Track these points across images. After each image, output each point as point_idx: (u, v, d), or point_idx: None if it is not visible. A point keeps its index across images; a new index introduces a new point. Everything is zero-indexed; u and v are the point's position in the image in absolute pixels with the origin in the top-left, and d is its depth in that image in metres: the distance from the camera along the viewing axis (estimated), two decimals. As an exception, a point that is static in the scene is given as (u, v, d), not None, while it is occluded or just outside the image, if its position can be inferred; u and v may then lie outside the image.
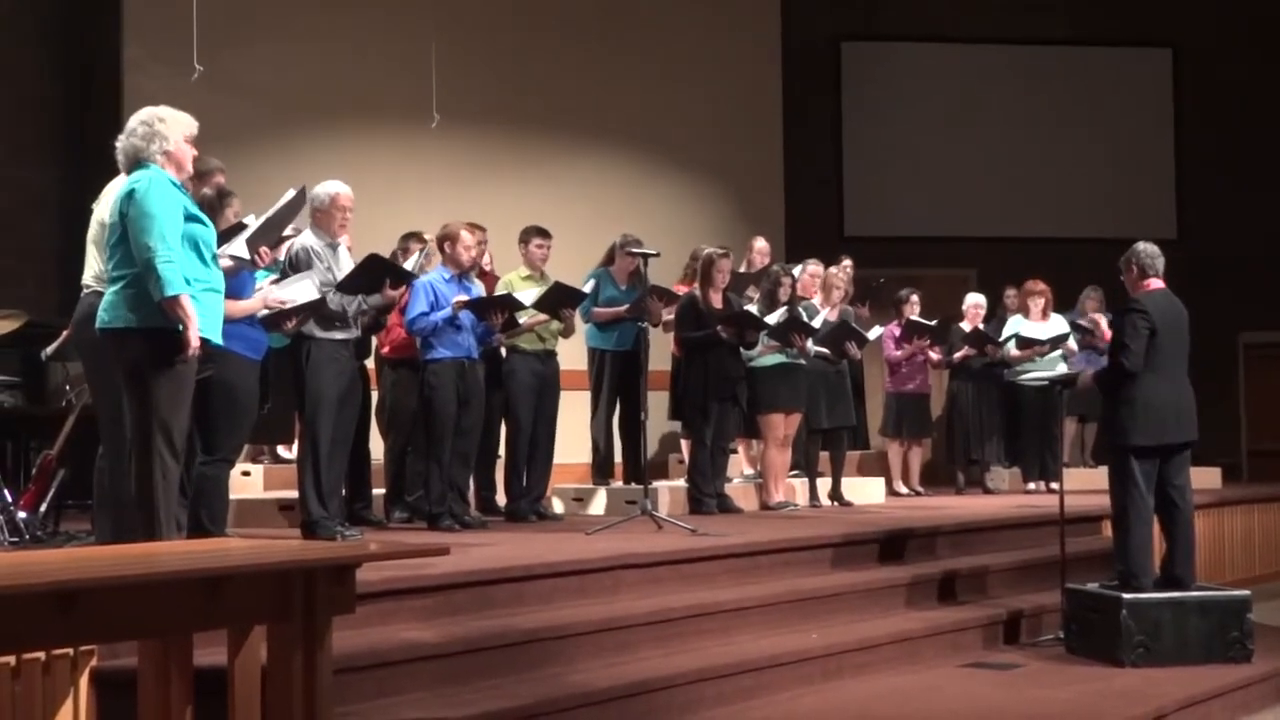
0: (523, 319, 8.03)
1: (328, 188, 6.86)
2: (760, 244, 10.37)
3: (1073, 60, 14.49)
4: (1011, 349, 10.87)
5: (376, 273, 6.96)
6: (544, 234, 8.46)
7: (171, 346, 5.00)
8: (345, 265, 6.92)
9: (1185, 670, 6.55)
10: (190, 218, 5.15)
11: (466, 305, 7.56)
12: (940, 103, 14.25)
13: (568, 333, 8.35)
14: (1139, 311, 6.81)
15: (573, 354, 9.13)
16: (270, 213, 6.21)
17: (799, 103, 13.21)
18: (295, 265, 6.72)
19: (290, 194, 6.36)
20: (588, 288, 8.59)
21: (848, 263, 10.57)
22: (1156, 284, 6.96)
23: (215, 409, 5.90)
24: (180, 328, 4.99)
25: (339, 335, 6.83)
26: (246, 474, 8.96)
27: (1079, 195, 14.28)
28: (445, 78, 10.91)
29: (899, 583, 7.10)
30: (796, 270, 9.67)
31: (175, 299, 4.97)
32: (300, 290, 6.46)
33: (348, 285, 6.82)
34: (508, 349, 8.27)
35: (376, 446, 8.13)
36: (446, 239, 7.66)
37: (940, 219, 14.09)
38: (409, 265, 7.44)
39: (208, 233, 5.26)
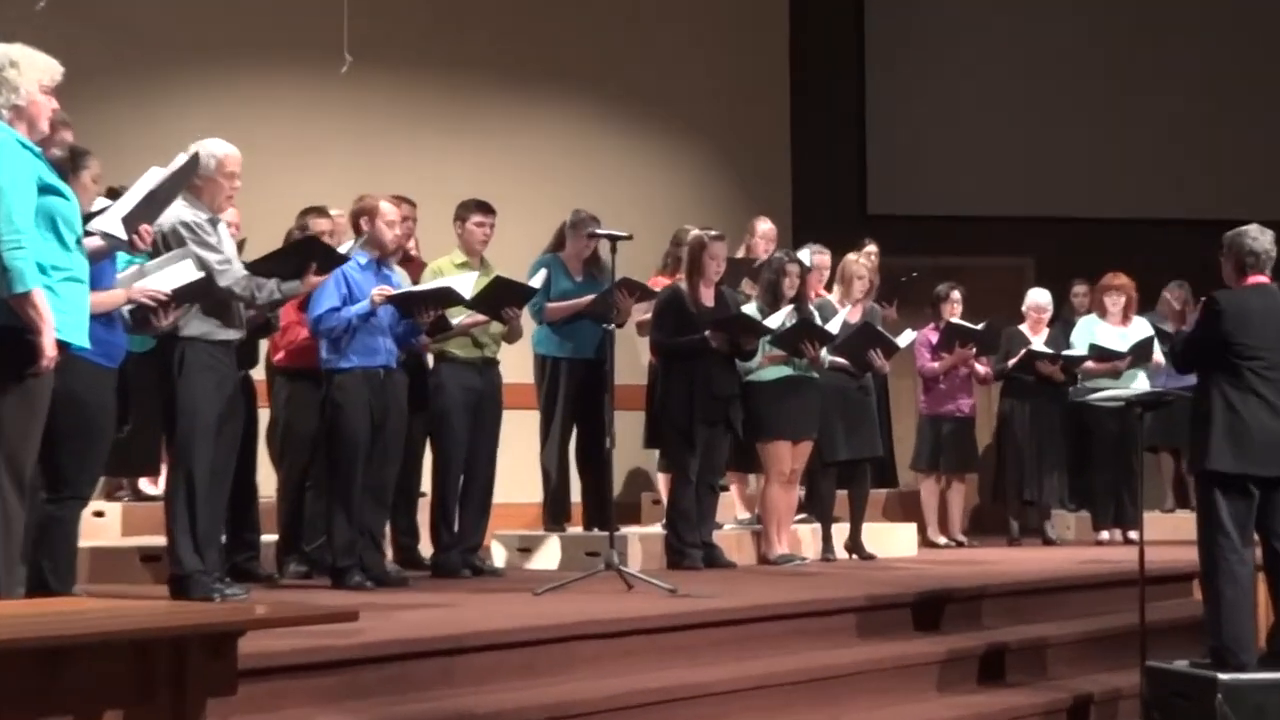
0: (456, 319, 8.03)
1: (212, 148, 6.83)
2: (764, 226, 10.35)
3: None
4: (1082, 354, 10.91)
5: (305, 257, 6.98)
6: (485, 209, 8.47)
7: (21, 352, 4.95)
8: (229, 245, 6.89)
9: (1296, 771, 6.58)
10: (46, 189, 5.13)
11: (391, 300, 7.54)
12: (987, 52, 14.27)
13: (512, 337, 8.35)
14: (1212, 310, 6.91)
15: (518, 363, 9.12)
16: (157, 181, 6.22)
17: (812, 51, 13.23)
18: (168, 245, 6.69)
19: (181, 159, 6.44)
20: (536, 281, 8.58)
21: (872, 248, 10.57)
22: (1258, 279, 7.00)
23: (61, 431, 5.81)
24: (32, 331, 4.95)
25: (220, 335, 6.80)
26: (100, 514, 8.95)
27: (1162, 166, 14.31)
28: (361, 9, 10.90)
29: (934, 659, 7.12)
30: (804, 255, 9.66)
31: (26, 295, 4.93)
32: (177, 273, 6.43)
33: (266, 267, 6.84)
34: (436, 356, 8.27)
35: (267, 481, 8.11)
36: (363, 213, 7.65)
37: (988, 195, 14.11)
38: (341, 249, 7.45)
39: (68, 207, 5.23)
